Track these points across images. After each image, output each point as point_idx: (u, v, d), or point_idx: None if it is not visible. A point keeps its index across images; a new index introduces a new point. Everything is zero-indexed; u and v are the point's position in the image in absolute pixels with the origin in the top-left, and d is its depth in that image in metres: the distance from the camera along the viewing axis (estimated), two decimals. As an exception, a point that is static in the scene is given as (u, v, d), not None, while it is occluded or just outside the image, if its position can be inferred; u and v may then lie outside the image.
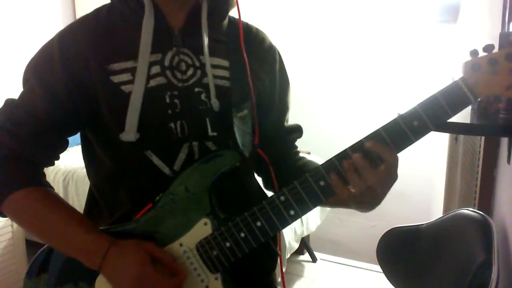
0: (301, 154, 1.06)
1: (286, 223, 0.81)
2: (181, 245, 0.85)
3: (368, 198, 0.78)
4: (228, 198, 0.89)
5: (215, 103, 0.87)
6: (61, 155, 0.95)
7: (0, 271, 2.48)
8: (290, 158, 1.02)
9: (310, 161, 1.01)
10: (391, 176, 0.77)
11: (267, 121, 0.98)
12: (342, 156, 0.77)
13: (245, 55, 0.91)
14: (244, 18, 0.97)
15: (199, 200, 0.85)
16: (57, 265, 0.92)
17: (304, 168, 0.98)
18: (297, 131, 1.04)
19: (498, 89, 0.71)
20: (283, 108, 1.01)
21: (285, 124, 1.02)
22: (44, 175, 0.92)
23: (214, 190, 0.86)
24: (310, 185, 0.78)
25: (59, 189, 2.71)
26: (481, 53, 0.72)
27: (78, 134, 0.96)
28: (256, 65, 0.94)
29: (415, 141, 0.75)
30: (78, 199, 2.66)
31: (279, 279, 1.06)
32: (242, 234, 0.82)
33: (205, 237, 0.84)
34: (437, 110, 0.72)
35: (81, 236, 0.83)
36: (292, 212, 0.80)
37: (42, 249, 0.94)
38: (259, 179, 1.05)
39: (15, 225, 2.53)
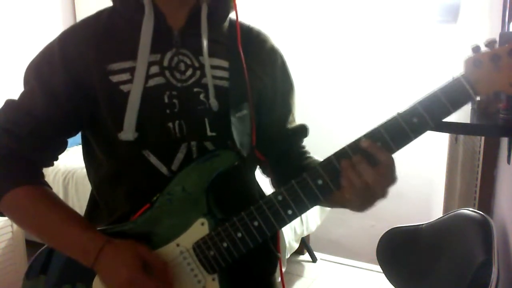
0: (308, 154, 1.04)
1: (283, 223, 0.80)
2: (178, 245, 0.85)
3: (367, 197, 0.77)
4: (227, 198, 0.89)
5: (213, 103, 0.87)
6: (60, 155, 0.96)
7: (0, 271, 2.48)
8: (295, 158, 1.00)
9: (315, 161, 0.99)
10: (389, 177, 0.76)
11: (269, 122, 0.97)
12: (340, 154, 0.76)
13: (242, 55, 0.91)
14: (245, 20, 0.97)
15: (196, 200, 0.85)
16: (56, 266, 0.92)
17: (308, 167, 0.97)
18: (302, 131, 1.02)
19: (500, 85, 0.69)
20: (286, 109, 1.00)
21: (288, 125, 1.00)
22: (42, 175, 0.93)
23: (211, 190, 0.86)
24: (308, 184, 0.77)
25: (59, 189, 2.71)
26: (483, 49, 0.70)
27: (79, 134, 0.97)
28: (257, 66, 0.94)
29: (414, 139, 0.74)
30: (78, 199, 2.66)
31: (279, 279, 1.06)
32: (239, 234, 0.82)
33: (202, 237, 0.84)
34: (437, 107, 0.71)
35: (78, 234, 0.84)
36: (289, 212, 0.79)
37: (40, 250, 0.95)
38: (265, 180, 1.04)
39: (15, 225, 2.53)
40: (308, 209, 0.79)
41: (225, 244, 0.82)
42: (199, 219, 0.85)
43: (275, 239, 0.97)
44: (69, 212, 0.88)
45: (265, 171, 1.03)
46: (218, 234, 0.83)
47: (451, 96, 0.70)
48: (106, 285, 0.83)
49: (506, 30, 1.51)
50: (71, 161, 2.72)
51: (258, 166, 1.03)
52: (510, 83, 0.69)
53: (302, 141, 1.04)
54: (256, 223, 0.81)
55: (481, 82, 0.69)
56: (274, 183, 1.01)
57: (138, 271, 0.79)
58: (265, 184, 1.04)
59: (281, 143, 1.00)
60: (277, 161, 0.99)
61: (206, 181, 0.85)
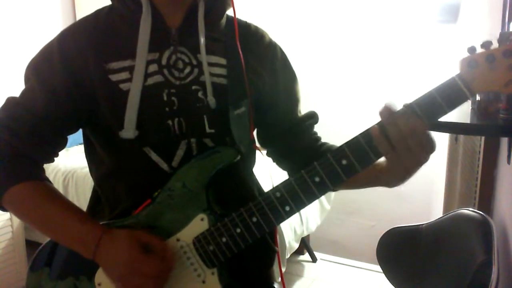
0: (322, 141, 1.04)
1: (281, 219, 0.81)
2: (178, 240, 0.86)
3: (408, 164, 0.77)
4: (226, 194, 0.90)
5: (211, 100, 0.88)
6: (61, 155, 0.97)
7: (0, 271, 2.48)
8: (311, 145, 1.01)
9: (332, 146, 0.98)
10: (426, 139, 0.73)
11: (277, 115, 0.98)
12: (338, 150, 0.77)
13: (240, 52, 0.92)
14: (243, 17, 0.98)
15: (196, 196, 0.86)
16: (60, 259, 0.93)
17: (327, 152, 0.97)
18: (312, 117, 1.03)
19: (495, 85, 0.70)
20: (292, 100, 1.01)
21: (298, 114, 1.01)
22: (43, 170, 0.94)
23: (211, 186, 0.87)
24: (305, 181, 0.78)
25: (59, 189, 2.69)
26: (479, 50, 0.71)
27: (79, 135, 0.98)
28: (255, 63, 0.95)
29: None
30: (78, 199, 2.66)
31: (279, 279, 1.06)
32: (238, 230, 0.83)
33: (201, 232, 0.85)
34: (432, 107, 0.71)
35: (76, 227, 0.85)
36: (287, 208, 0.80)
37: (45, 243, 0.96)
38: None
39: (15, 225, 2.53)
40: (306, 205, 0.80)
41: (224, 239, 0.83)
42: (199, 214, 0.85)
43: (272, 233, 0.98)
44: (68, 205, 0.89)
45: (281, 165, 1.03)
46: (217, 230, 0.84)
47: (446, 96, 0.71)
48: (108, 274, 0.83)
49: (506, 30, 1.51)
50: (71, 161, 2.71)
51: (272, 160, 1.03)
52: (504, 84, 0.69)
53: (313, 127, 1.04)
54: (254, 219, 0.82)
55: (476, 82, 0.70)
56: (291, 173, 1.01)
57: (137, 252, 0.80)
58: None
59: (294, 133, 1.00)
60: (290, 151, 0.99)
61: (206, 177, 0.86)
